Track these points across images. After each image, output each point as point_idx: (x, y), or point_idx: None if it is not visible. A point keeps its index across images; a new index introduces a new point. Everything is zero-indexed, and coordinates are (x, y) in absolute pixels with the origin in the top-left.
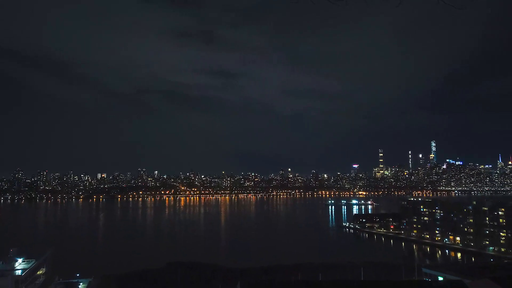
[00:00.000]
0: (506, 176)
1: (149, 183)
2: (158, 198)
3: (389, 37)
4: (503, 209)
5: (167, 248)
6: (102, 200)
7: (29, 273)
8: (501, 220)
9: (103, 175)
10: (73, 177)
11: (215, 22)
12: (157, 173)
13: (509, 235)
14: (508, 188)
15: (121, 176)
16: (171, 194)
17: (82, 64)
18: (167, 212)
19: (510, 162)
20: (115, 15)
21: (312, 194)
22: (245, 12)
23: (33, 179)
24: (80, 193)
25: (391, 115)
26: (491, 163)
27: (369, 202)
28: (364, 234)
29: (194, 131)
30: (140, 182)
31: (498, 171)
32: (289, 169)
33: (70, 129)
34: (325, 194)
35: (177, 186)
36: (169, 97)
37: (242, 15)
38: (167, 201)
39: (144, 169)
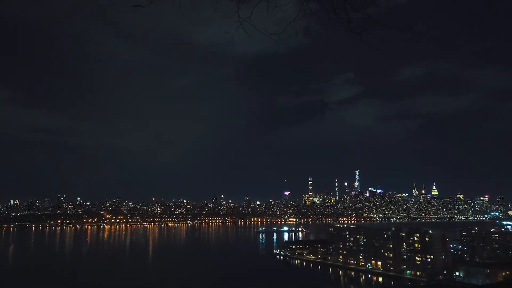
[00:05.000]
0: (420, 204)
1: (69, 210)
2: (79, 227)
3: None
4: (417, 235)
5: (86, 281)
6: (13, 229)
7: None
8: (416, 245)
9: (15, 202)
10: None
11: None
12: (80, 199)
13: (424, 259)
14: (422, 215)
15: (38, 203)
16: (94, 222)
17: None
18: (88, 241)
19: (423, 191)
20: None
21: (245, 221)
22: None
23: None
24: None
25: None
26: (407, 191)
27: (300, 229)
28: (294, 261)
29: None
30: (59, 209)
31: (413, 199)
32: (222, 196)
33: None
34: (257, 221)
35: (102, 213)
36: None
37: None
38: (89, 230)
39: (64, 196)
